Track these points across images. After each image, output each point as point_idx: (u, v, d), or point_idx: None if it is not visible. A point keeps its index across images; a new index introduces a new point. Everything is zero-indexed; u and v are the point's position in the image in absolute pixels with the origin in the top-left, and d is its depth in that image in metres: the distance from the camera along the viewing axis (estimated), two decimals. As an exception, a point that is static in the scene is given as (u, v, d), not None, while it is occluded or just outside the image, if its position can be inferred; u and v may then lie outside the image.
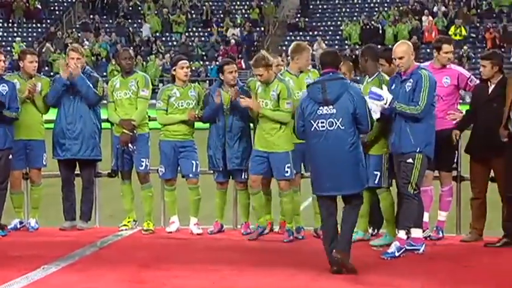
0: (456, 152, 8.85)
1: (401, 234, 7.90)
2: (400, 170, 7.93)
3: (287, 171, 8.73)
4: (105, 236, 9.13)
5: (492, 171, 8.73)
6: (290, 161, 8.72)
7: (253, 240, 8.89)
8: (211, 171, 9.38)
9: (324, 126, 7.31)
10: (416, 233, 8.13)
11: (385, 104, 7.81)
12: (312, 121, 7.34)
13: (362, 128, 7.41)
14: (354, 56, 36.91)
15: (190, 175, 9.29)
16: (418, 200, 7.99)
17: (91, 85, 9.42)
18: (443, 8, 39.38)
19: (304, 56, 8.99)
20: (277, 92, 8.71)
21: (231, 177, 9.31)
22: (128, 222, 9.58)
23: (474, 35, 38.22)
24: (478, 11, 39.64)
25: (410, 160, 7.82)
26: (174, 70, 9.39)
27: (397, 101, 7.86)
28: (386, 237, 8.50)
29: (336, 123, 7.28)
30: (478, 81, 8.78)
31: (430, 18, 38.28)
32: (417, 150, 7.84)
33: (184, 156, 9.24)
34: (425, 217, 8.63)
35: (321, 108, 7.33)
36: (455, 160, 8.89)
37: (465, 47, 36.07)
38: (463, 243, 8.74)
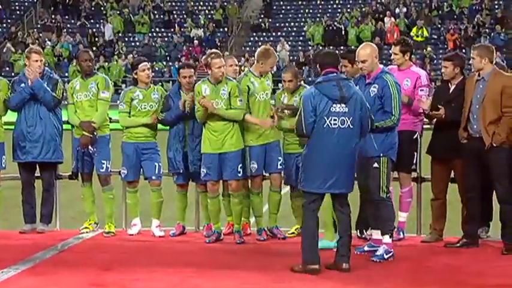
0: (415, 153, 8.92)
1: (386, 238, 7.94)
2: (367, 177, 7.94)
3: (239, 171, 8.76)
4: (66, 239, 9.06)
5: (452, 172, 8.82)
6: (242, 160, 8.77)
7: (214, 243, 8.88)
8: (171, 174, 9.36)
9: (336, 124, 7.39)
10: (377, 234, 8.19)
11: None
12: (325, 117, 7.38)
13: (363, 130, 7.55)
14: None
15: (153, 177, 9.26)
16: (391, 202, 8.05)
17: (48, 88, 9.34)
18: (404, 10, 39.71)
19: (269, 62, 8.99)
20: (227, 91, 8.74)
21: (191, 179, 9.29)
22: (89, 224, 9.52)
23: (436, 36, 38.60)
24: (440, 12, 40.03)
25: (376, 165, 7.87)
26: (136, 73, 9.35)
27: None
28: (322, 241, 8.22)
29: (347, 122, 7.40)
30: (426, 92, 8.79)
31: (392, 19, 38.59)
32: (381, 155, 7.89)
33: (147, 158, 9.20)
34: (405, 216, 8.81)
35: (335, 105, 7.39)
36: (414, 161, 8.95)
37: (428, 48, 36.43)
38: (423, 243, 8.81)
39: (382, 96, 7.85)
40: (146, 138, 9.21)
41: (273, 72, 9.35)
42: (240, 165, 8.77)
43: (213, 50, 9.06)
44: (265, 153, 8.91)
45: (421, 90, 8.73)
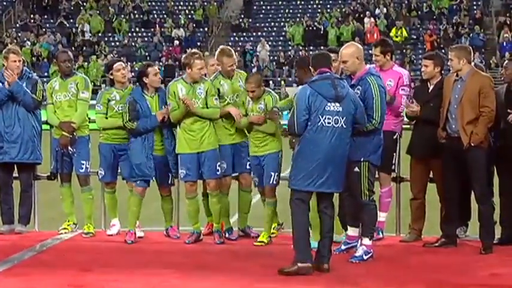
0: (395, 154, 8.94)
1: (366, 241, 7.95)
2: (349, 180, 7.88)
3: (218, 170, 8.77)
4: (44, 240, 9.01)
5: (432, 171, 8.85)
6: (219, 159, 8.77)
7: (194, 243, 8.86)
8: None
9: (329, 123, 7.40)
10: (353, 231, 8.25)
11: None
12: (320, 116, 7.38)
13: (359, 127, 7.64)
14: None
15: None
16: (374, 204, 8.04)
17: (28, 90, 9.27)
18: (385, 10, 39.86)
19: (225, 61, 8.91)
20: (204, 90, 8.74)
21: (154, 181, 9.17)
22: (68, 225, 9.47)
23: (415, 37, 38.78)
24: (419, 12, 40.22)
25: (356, 169, 7.85)
26: (111, 74, 9.30)
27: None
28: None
29: (341, 121, 7.42)
30: (406, 92, 8.80)
31: (372, 20, 38.72)
32: (362, 159, 7.85)
33: (125, 159, 9.15)
34: (384, 216, 8.84)
35: (329, 104, 7.40)
36: (393, 162, 8.97)
37: (408, 49, 36.58)
38: (402, 243, 8.84)
39: (364, 98, 7.78)
40: (123, 140, 9.16)
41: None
42: (218, 163, 8.78)
43: (194, 50, 9.03)
44: (233, 153, 8.91)
45: (402, 89, 8.74)
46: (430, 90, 8.75)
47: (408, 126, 9.06)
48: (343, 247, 8.29)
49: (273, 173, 8.67)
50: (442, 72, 8.81)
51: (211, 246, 8.74)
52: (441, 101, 8.51)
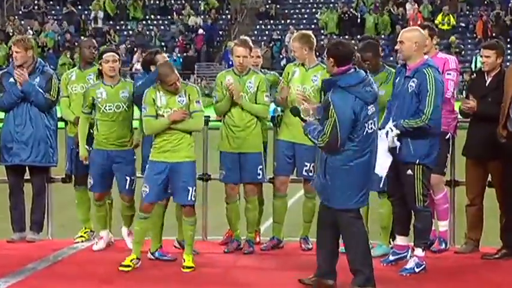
0: (448, 154, 8.92)
1: (419, 251, 7.95)
2: (402, 184, 7.91)
3: (259, 174, 8.81)
4: (58, 249, 9.06)
5: (490, 175, 8.82)
6: (262, 162, 8.83)
7: (233, 252, 8.90)
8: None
9: (372, 128, 7.25)
10: (401, 240, 8.25)
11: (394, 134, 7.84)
12: (365, 124, 7.18)
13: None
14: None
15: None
16: (429, 211, 8.05)
17: (40, 90, 9.33)
18: (429, -6, 39.75)
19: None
20: (255, 84, 8.76)
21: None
22: (84, 233, 9.52)
23: (463, 25, 38.58)
24: (468, -3, 40.06)
25: (410, 172, 7.84)
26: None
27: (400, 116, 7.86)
28: (382, 247, 8.64)
29: (376, 123, 7.34)
30: (453, 77, 8.78)
31: (415, 5, 38.58)
32: (416, 162, 7.83)
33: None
34: (445, 225, 8.86)
35: (369, 107, 7.21)
36: (446, 164, 8.94)
37: (454, 39, 36.40)
38: (458, 254, 8.82)
39: (419, 92, 7.76)
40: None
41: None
42: (260, 167, 8.81)
43: (242, 37, 8.99)
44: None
45: (448, 74, 8.70)
46: (487, 83, 8.71)
47: (466, 123, 8.98)
48: (391, 258, 8.28)
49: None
50: (502, 63, 8.79)
51: (242, 258, 8.76)
52: (501, 95, 8.47)
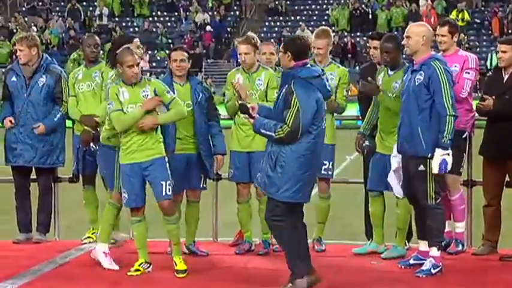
0: (464, 153, 8.91)
1: (434, 251, 7.94)
2: (412, 179, 7.92)
3: None
4: (66, 251, 9.08)
5: (508, 175, 8.80)
6: None
7: (244, 254, 8.91)
8: None
9: (324, 126, 7.37)
10: (424, 245, 8.19)
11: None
12: (323, 118, 7.32)
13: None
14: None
15: None
16: (442, 209, 8.04)
17: (57, 115, 9.37)
18: (443, -10, 39.67)
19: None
20: (265, 81, 8.75)
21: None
22: (92, 234, 9.52)
23: (478, 21, 38.49)
24: (483, -8, 39.99)
25: (422, 167, 7.85)
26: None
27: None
28: (397, 249, 8.64)
29: (325, 120, 7.42)
30: (472, 76, 8.74)
31: (429, 1, 38.53)
32: (428, 156, 7.84)
33: None
34: (462, 226, 8.84)
35: (326, 103, 7.40)
36: (462, 164, 8.91)
37: (467, 35, 36.33)
38: (475, 256, 8.80)
39: (429, 85, 7.80)
40: None
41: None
42: None
43: (248, 34, 8.96)
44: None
45: (466, 72, 8.69)
46: (505, 81, 8.71)
47: (483, 121, 8.97)
48: (411, 261, 8.24)
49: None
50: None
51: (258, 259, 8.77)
52: (520, 91, 8.49)
